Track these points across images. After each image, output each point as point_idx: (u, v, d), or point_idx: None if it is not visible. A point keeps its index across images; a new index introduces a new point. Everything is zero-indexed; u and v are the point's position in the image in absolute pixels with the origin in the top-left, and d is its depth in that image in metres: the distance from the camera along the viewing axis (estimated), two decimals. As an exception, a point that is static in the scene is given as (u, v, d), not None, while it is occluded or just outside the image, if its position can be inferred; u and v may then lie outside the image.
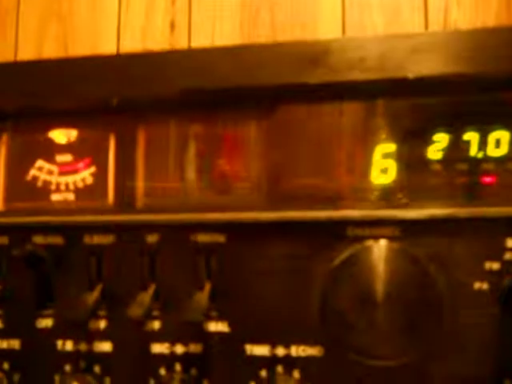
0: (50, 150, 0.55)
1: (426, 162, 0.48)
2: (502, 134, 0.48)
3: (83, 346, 0.52)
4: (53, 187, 0.55)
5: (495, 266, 0.46)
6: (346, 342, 0.46)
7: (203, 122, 0.53)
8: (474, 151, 0.48)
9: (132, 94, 0.52)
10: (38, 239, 0.53)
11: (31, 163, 0.55)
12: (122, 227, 0.52)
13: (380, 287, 0.45)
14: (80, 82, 0.52)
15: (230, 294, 0.50)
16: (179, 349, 0.51)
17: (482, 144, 0.48)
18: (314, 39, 0.51)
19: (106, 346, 0.52)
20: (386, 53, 0.47)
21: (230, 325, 0.50)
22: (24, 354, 0.53)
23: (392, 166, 0.49)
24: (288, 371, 0.49)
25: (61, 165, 0.55)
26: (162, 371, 0.51)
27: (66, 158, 0.55)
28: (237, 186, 0.52)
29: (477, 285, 0.46)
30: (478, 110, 0.48)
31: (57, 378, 0.52)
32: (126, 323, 0.50)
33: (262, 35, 0.82)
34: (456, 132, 0.48)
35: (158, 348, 0.51)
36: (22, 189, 0.55)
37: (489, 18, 0.77)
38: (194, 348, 0.50)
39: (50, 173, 0.55)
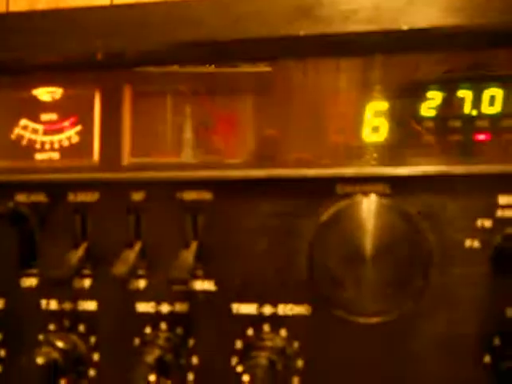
0: (34, 109, 0.54)
1: (419, 120, 0.47)
2: (496, 92, 0.47)
3: (68, 305, 0.51)
4: (37, 146, 0.54)
5: (487, 223, 0.45)
6: (333, 300, 0.45)
7: (192, 78, 0.51)
8: (467, 108, 0.47)
9: (118, 48, 0.50)
10: (21, 197, 0.52)
11: (15, 122, 0.54)
12: (108, 185, 0.51)
13: (369, 243, 0.44)
14: (65, 34, 0.51)
15: (217, 253, 0.49)
16: (165, 308, 0.50)
17: (476, 101, 0.47)
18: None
19: (90, 305, 0.51)
20: (379, 4, 0.46)
21: (216, 283, 0.49)
22: (8, 313, 0.52)
23: (384, 125, 0.47)
24: (275, 330, 0.48)
25: (46, 123, 0.54)
26: (148, 330, 0.50)
27: (51, 116, 0.54)
28: (225, 144, 0.50)
29: (468, 242, 0.46)
30: (472, 66, 0.47)
31: (41, 337, 0.51)
32: (110, 282, 0.49)
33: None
34: (450, 89, 0.47)
35: (144, 307, 0.50)
36: (6, 148, 0.54)
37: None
38: (180, 307, 0.50)
39: (35, 131, 0.54)
